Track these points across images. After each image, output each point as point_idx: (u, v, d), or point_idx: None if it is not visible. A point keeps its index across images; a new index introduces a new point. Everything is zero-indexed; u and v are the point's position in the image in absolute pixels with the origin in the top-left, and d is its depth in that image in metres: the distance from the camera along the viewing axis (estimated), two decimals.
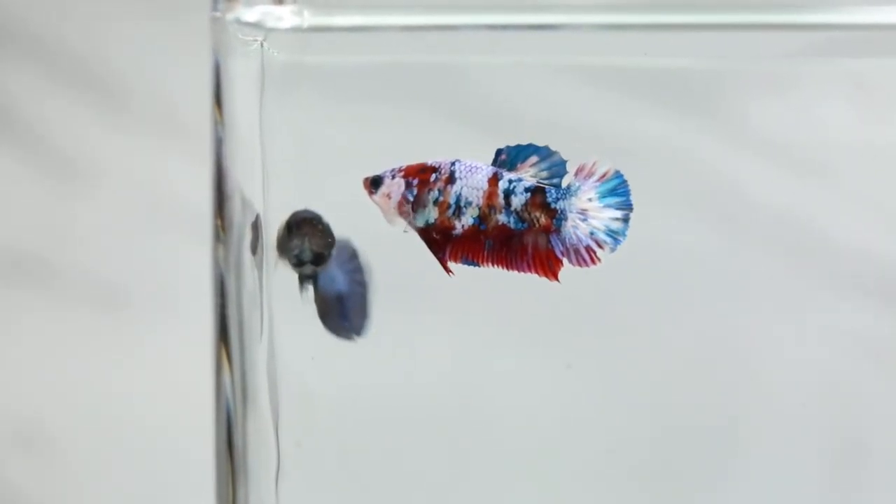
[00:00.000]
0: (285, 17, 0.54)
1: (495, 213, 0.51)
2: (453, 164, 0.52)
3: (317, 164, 0.55)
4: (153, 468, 0.81)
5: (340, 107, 0.55)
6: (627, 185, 0.51)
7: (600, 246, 0.51)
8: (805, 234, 0.56)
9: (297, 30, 0.54)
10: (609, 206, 0.51)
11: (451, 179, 0.51)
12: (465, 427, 0.56)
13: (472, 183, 0.51)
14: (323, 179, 0.54)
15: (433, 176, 0.52)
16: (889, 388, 0.57)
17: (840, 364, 0.57)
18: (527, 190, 0.51)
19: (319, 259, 0.54)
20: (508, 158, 0.51)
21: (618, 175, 0.51)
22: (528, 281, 0.54)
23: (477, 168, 0.51)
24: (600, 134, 0.56)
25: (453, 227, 0.51)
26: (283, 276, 0.54)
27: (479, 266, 0.51)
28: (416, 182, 0.52)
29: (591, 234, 0.51)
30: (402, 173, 0.52)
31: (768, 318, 0.56)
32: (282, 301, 0.54)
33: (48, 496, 0.82)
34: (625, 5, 0.55)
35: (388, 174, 0.52)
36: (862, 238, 0.57)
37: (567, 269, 0.54)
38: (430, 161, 0.52)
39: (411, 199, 0.52)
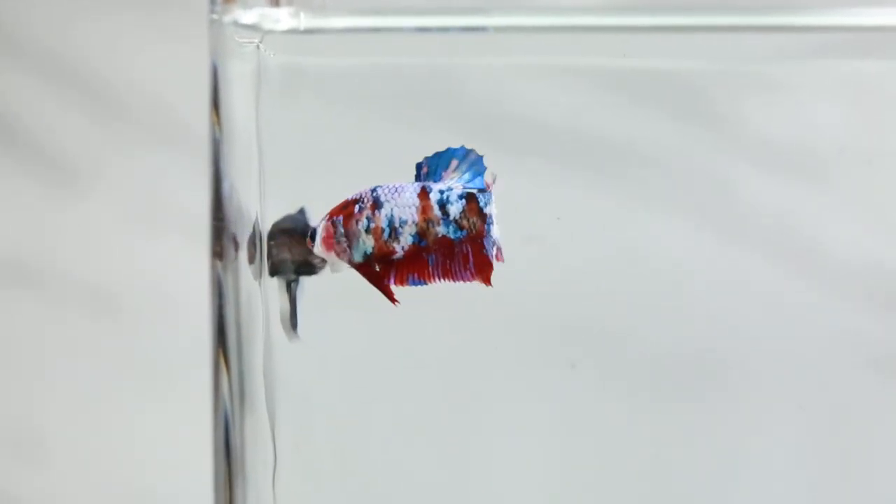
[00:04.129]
0: (282, 19, 0.54)
1: (434, 226, 0.51)
2: (374, 189, 0.52)
3: (314, 166, 0.55)
4: (149, 472, 0.81)
5: (337, 109, 0.55)
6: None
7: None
8: (800, 236, 0.57)
9: (293, 32, 0.54)
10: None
11: (377, 205, 0.51)
12: (464, 427, 0.56)
13: (402, 202, 0.51)
14: (320, 181, 0.54)
15: (357, 207, 0.52)
16: (884, 392, 0.57)
17: (836, 368, 0.57)
18: (461, 197, 0.51)
19: (308, 267, 0.54)
20: (430, 169, 0.51)
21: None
22: (529, 281, 0.54)
23: (401, 187, 0.52)
24: (596, 136, 0.56)
25: (393, 252, 0.52)
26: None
27: (426, 284, 0.52)
28: (340, 219, 0.52)
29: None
30: (326, 216, 0.52)
31: (768, 322, 0.56)
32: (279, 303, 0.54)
33: (41, 501, 0.82)
34: (621, 7, 0.55)
35: (319, 224, 0.52)
36: (857, 241, 0.57)
37: (574, 266, 0.54)
38: (350, 195, 0.52)
39: (341, 235, 0.52)
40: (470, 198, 0.51)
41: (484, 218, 0.51)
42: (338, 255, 0.52)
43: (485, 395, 0.56)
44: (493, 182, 0.51)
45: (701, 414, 0.57)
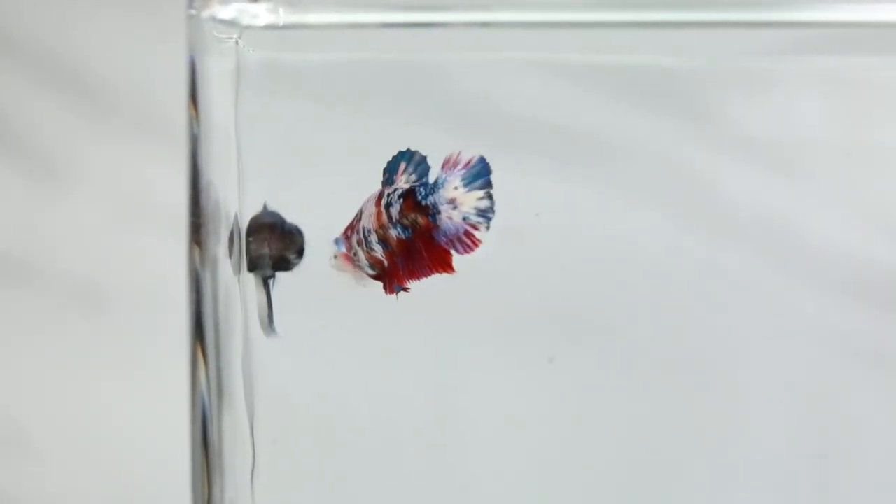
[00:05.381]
0: (261, 14, 0.54)
1: (389, 230, 0.51)
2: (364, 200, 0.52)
3: (293, 162, 0.55)
4: (131, 466, 0.82)
5: (316, 104, 0.55)
6: (489, 167, 0.50)
7: (475, 227, 0.50)
8: (784, 232, 0.57)
9: (272, 27, 0.54)
10: (473, 189, 0.50)
11: (360, 217, 0.51)
12: (443, 422, 0.57)
13: (368, 210, 0.51)
14: (299, 177, 0.54)
15: (355, 219, 0.52)
16: (868, 387, 0.57)
17: (819, 362, 0.57)
18: (400, 196, 0.51)
19: (283, 263, 0.54)
20: (389, 175, 0.51)
21: (481, 160, 0.50)
22: (510, 274, 0.54)
23: (372, 196, 0.51)
24: (580, 132, 0.56)
25: (380, 261, 0.51)
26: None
27: (404, 288, 0.51)
28: (348, 234, 0.52)
29: (465, 218, 0.50)
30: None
31: (748, 316, 0.56)
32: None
33: (26, 496, 0.82)
34: (604, 3, 0.55)
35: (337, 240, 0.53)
36: (841, 237, 0.57)
37: (553, 261, 0.54)
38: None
39: (347, 250, 0.52)
40: (407, 194, 0.51)
41: (425, 210, 0.51)
42: (356, 269, 0.52)
43: (463, 389, 0.56)
44: (476, 160, 0.50)
45: (681, 408, 0.57)
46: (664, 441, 0.57)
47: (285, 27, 0.54)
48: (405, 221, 0.51)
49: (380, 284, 0.52)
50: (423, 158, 0.51)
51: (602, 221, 0.56)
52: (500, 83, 0.55)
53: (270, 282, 0.54)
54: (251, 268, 0.54)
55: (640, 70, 0.55)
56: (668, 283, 0.56)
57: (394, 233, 0.51)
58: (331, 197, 0.54)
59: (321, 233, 0.54)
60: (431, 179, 0.51)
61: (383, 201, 0.51)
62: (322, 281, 0.53)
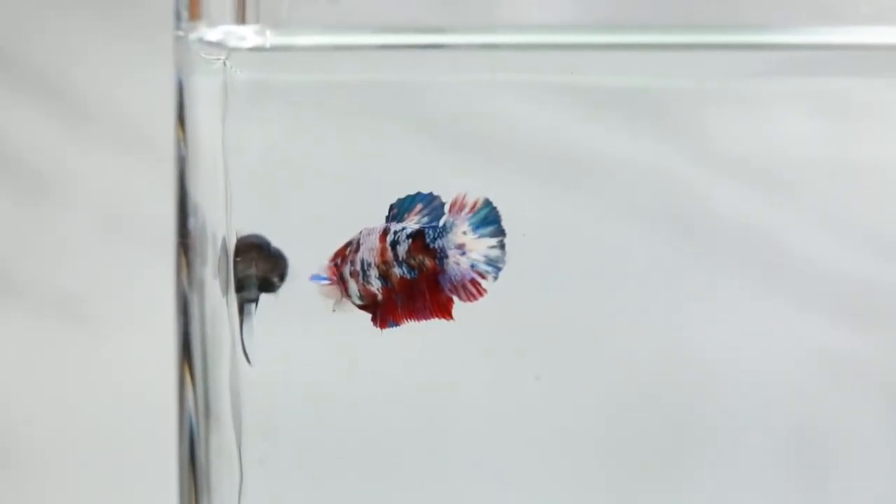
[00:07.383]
0: (248, 36, 0.54)
1: (392, 268, 0.50)
2: (361, 231, 0.51)
3: (279, 183, 0.55)
4: (116, 482, 0.81)
5: (303, 125, 0.55)
6: (497, 213, 0.49)
7: (483, 276, 0.50)
8: (766, 249, 0.57)
9: (259, 49, 0.54)
10: (483, 235, 0.50)
11: (357, 248, 0.51)
12: (432, 441, 0.57)
13: (369, 244, 0.50)
14: (285, 198, 0.55)
15: (348, 249, 0.51)
16: (847, 401, 0.57)
17: (799, 376, 0.57)
18: (408, 236, 0.50)
19: (266, 285, 0.54)
20: (399, 212, 0.50)
21: (487, 204, 0.50)
22: (497, 292, 0.54)
23: (373, 229, 0.51)
24: (567, 152, 0.56)
25: (374, 294, 0.51)
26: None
27: (399, 325, 0.51)
28: (339, 261, 0.51)
29: (472, 266, 0.50)
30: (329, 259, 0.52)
31: (731, 331, 0.57)
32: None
33: None
34: (589, 25, 0.55)
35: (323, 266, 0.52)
36: (821, 253, 0.57)
37: (540, 280, 0.54)
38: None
39: (340, 278, 0.51)
40: (417, 235, 0.50)
41: (433, 254, 0.51)
42: (342, 296, 0.52)
43: (451, 408, 0.56)
44: (482, 203, 0.50)
45: (668, 423, 0.57)
46: (651, 456, 0.57)
47: (272, 49, 0.54)
48: (412, 262, 0.50)
49: (355, 310, 0.52)
50: (442, 204, 0.50)
51: (589, 240, 0.56)
52: (486, 104, 0.56)
53: (254, 305, 0.54)
54: (239, 288, 0.54)
55: (626, 91, 0.56)
56: (654, 301, 0.56)
57: (398, 271, 0.50)
58: (318, 218, 0.54)
59: (308, 253, 0.54)
60: (440, 223, 0.50)
61: (389, 238, 0.50)
62: (310, 302, 0.53)
